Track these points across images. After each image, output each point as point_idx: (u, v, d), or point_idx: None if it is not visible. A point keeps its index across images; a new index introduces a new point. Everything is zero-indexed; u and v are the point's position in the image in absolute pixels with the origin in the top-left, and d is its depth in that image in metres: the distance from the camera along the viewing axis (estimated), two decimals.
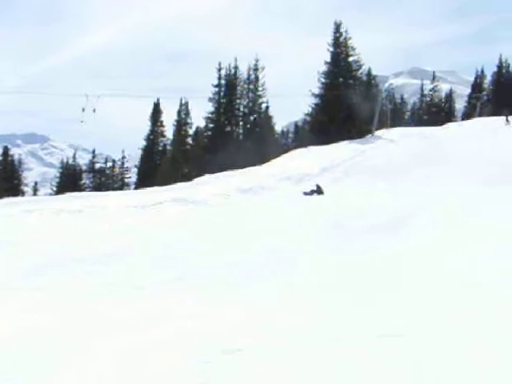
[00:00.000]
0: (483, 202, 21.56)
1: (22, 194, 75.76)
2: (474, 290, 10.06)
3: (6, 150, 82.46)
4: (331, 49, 59.65)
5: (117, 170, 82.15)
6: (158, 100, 72.75)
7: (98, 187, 74.70)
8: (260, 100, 62.01)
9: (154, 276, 12.47)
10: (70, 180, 77.07)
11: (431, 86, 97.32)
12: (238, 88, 62.07)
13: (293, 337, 7.56)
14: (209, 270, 12.97)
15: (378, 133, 48.02)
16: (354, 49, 60.03)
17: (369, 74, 68.02)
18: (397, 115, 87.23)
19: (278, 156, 45.09)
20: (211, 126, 61.65)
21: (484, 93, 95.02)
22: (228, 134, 60.38)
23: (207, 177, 37.70)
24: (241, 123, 62.08)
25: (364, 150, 39.03)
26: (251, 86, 61.95)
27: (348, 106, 56.36)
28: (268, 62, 68.58)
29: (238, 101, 61.74)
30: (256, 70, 61.81)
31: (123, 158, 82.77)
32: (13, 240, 17.22)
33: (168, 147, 73.54)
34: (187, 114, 68.98)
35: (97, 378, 6.26)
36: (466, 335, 7.34)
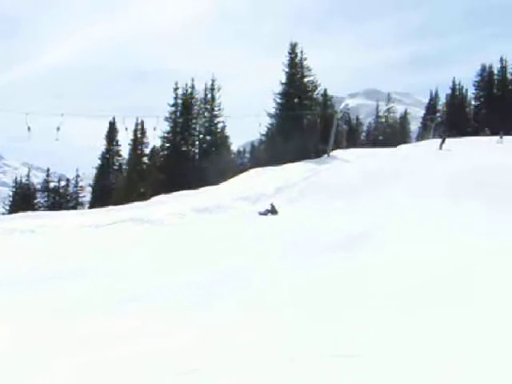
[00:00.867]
0: (437, 220, 21.92)
1: None
2: (427, 307, 10.17)
3: None
4: (287, 69, 60.06)
5: (70, 189, 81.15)
6: (113, 119, 72.30)
7: (52, 206, 73.63)
8: (216, 120, 62.06)
9: (110, 296, 12.34)
10: (23, 199, 75.79)
11: (386, 107, 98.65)
12: (195, 108, 62.05)
13: (249, 356, 7.55)
14: (166, 290, 12.89)
15: (334, 153, 48.29)
16: (309, 69, 60.57)
17: (325, 94, 68.69)
18: (352, 136, 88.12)
19: (234, 176, 45.11)
20: (167, 145, 61.42)
21: (438, 114, 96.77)
22: (184, 154, 60.24)
23: (163, 196, 37.55)
24: (197, 143, 61.98)
25: (319, 170, 39.22)
26: (208, 106, 61.98)
27: (303, 126, 56.78)
28: (226, 82, 68.78)
29: (194, 120, 61.69)
30: (213, 89, 61.85)
31: (77, 176, 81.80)
32: None
33: (124, 166, 73.05)
34: (143, 133, 68.65)
35: None
36: (420, 355, 7.40)
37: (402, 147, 53.02)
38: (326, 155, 47.76)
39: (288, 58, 60.18)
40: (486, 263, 13.87)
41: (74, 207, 74.48)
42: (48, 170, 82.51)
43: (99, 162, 74.40)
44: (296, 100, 59.20)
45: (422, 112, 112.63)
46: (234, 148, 75.90)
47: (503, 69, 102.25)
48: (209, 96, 61.90)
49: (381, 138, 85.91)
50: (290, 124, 57.09)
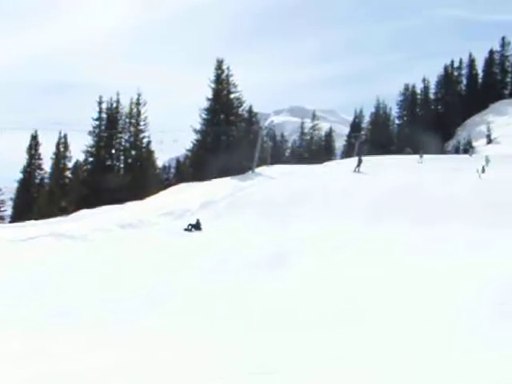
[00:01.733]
0: (358, 236, 22.39)
1: None
2: (350, 325, 10.35)
3: None
4: (213, 85, 60.25)
5: None
6: (35, 132, 70.82)
7: None
8: (142, 134, 61.57)
9: (21, 313, 12.10)
10: None
11: (311, 125, 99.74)
12: (120, 122, 61.36)
13: (163, 376, 7.52)
14: (83, 307, 12.70)
15: (259, 170, 48.48)
16: (235, 86, 60.87)
17: (250, 111, 68.96)
18: (277, 152, 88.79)
19: (159, 191, 44.83)
20: (91, 159, 60.56)
21: (362, 132, 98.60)
22: (108, 168, 59.48)
23: (86, 211, 36.98)
24: (122, 157, 61.30)
25: (244, 186, 39.33)
26: (133, 121, 61.44)
27: (229, 142, 56.94)
28: (153, 97, 68.31)
29: (119, 135, 61.01)
30: (138, 104, 61.34)
31: None
32: None
33: (46, 180, 71.59)
34: (66, 147, 67.49)
35: None
36: (329, 371, 7.54)
37: (328, 164, 53.74)
38: (250, 171, 47.93)
39: (214, 74, 60.39)
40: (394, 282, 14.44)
41: None
42: None
43: (21, 175, 72.75)
44: (222, 116, 59.40)
45: (346, 130, 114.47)
46: (159, 163, 75.36)
47: (425, 89, 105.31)
48: (134, 110, 61.35)
49: (306, 155, 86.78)
50: (215, 140, 57.22)
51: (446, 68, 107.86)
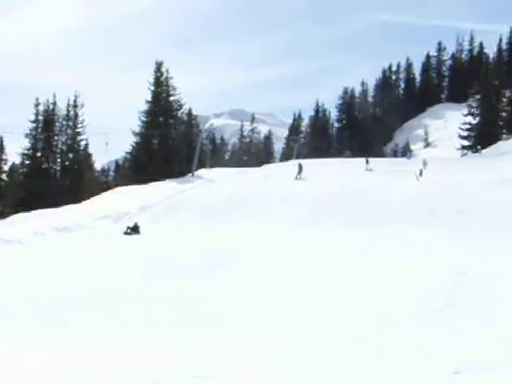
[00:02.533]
0: (296, 239, 22.65)
1: None
2: (281, 327, 10.50)
3: None
4: (152, 88, 59.90)
5: None
6: None
7: None
8: (79, 137, 60.86)
9: None
10: None
11: (251, 128, 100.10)
12: (57, 124, 60.46)
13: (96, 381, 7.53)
14: (22, 312, 12.56)
15: (198, 172, 48.48)
16: (174, 88, 60.58)
17: (189, 113, 68.81)
18: (217, 155, 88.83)
19: (97, 194, 44.34)
20: (27, 162, 59.54)
21: (301, 135, 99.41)
22: (45, 171, 58.58)
23: (22, 215, 36.33)
24: (59, 160, 60.42)
25: (184, 189, 39.26)
26: (70, 123, 60.67)
27: (168, 145, 56.77)
28: (92, 99, 67.56)
29: (56, 137, 60.13)
30: (76, 106, 60.61)
31: None
32: None
33: None
34: (2, 149, 66.20)
35: None
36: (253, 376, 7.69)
37: (267, 167, 54.04)
38: (190, 174, 47.88)
39: (153, 77, 60.06)
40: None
41: None
42: None
43: None
44: (161, 119, 59.12)
45: (285, 133, 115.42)
46: (97, 166, 74.62)
47: (364, 92, 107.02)
48: (71, 113, 60.61)
49: (245, 157, 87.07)
50: (154, 142, 56.97)
51: (384, 72, 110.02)
